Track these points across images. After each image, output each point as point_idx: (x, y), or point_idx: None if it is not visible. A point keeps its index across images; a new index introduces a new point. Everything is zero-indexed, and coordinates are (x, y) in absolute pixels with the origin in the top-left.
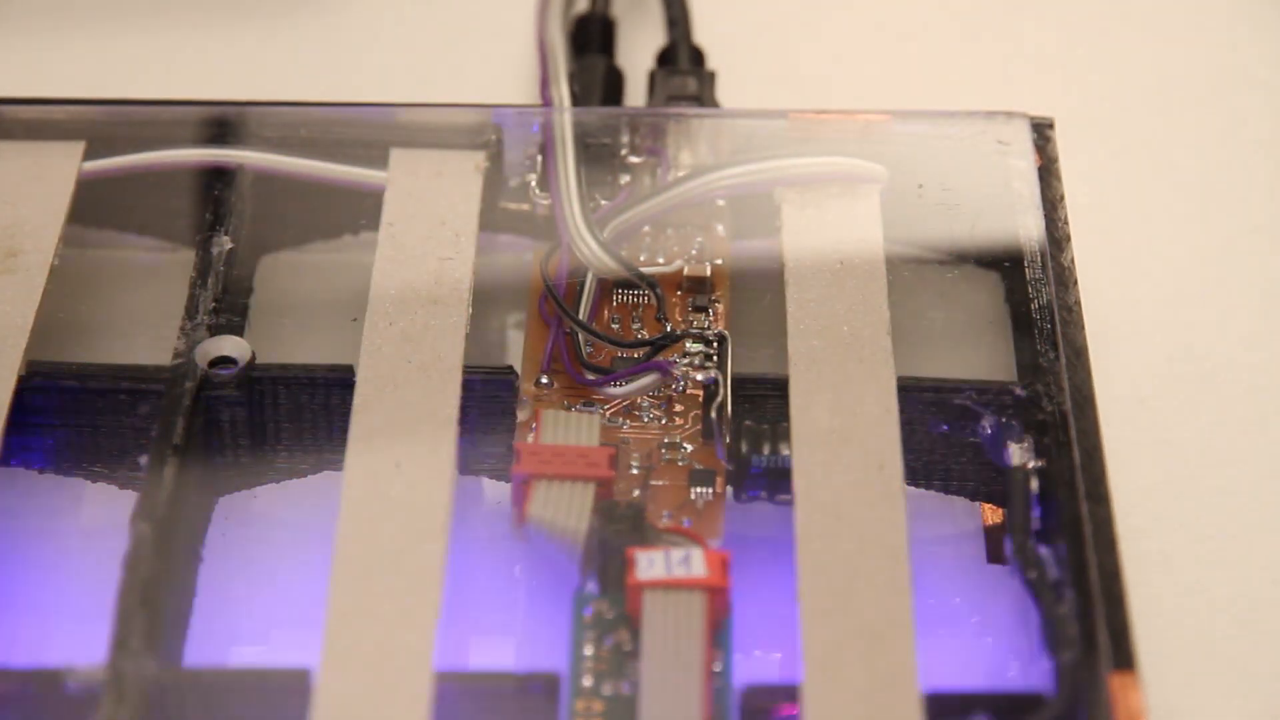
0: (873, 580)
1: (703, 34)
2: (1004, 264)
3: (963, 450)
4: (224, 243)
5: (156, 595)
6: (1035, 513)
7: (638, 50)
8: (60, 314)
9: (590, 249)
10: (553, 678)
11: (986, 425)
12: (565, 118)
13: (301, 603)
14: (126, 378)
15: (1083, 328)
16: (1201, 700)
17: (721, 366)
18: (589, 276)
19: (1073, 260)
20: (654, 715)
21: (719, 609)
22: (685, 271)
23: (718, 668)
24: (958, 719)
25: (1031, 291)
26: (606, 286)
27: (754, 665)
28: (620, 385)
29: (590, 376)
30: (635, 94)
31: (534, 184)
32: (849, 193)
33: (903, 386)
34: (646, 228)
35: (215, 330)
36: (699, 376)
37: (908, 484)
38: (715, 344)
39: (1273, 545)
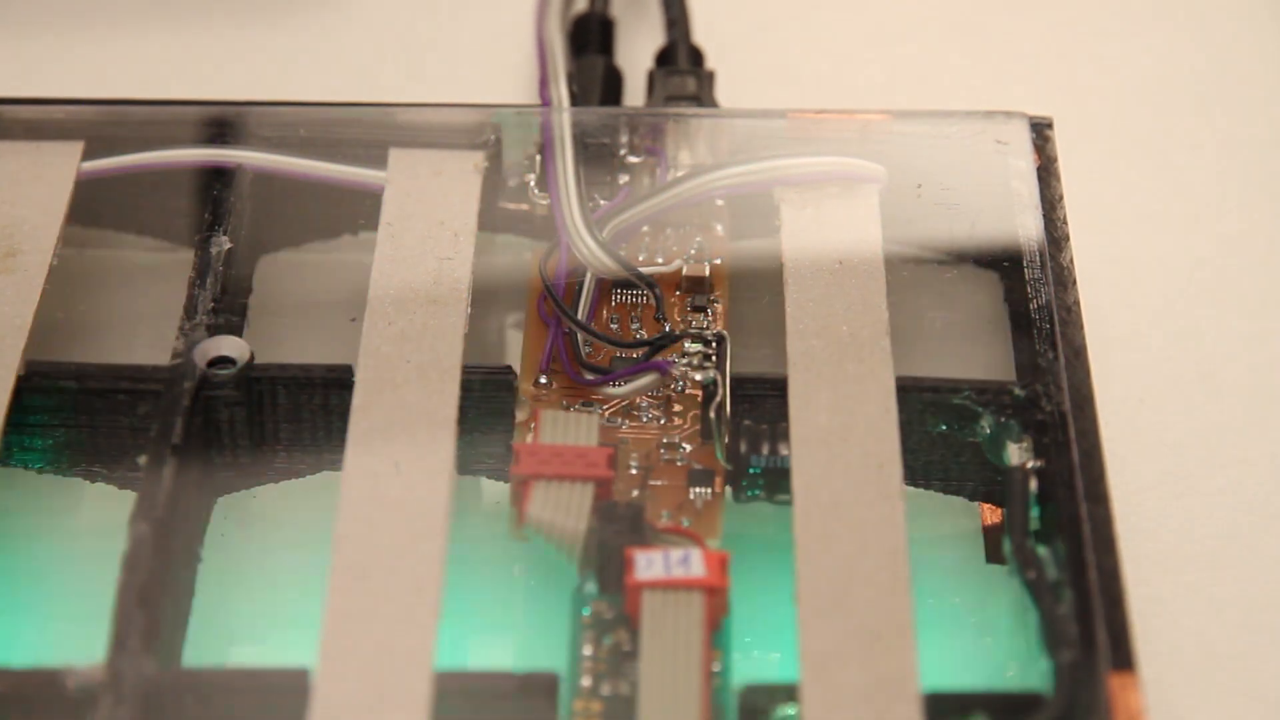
0: (872, 580)
1: (702, 34)
2: (1003, 264)
3: (962, 450)
4: (223, 242)
5: (155, 595)
6: (1034, 513)
7: (637, 50)
8: (59, 314)
9: (589, 249)
10: (551, 678)
11: (985, 425)
12: (564, 117)
13: (300, 603)
14: (125, 378)
15: (1081, 327)
16: (1201, 701)
17: (720, 366)
18: (588, 276)
19: (1071, 260)
20: (653, 715)
21: (718, 609)
22: (684, 271)
23: (716, 668)
24: (956, 719)
25: (1030, 291)
26: (605, 286)
27: (753, 665)
28: (619, 385)
29: (589, 376)
30: (634, 94)
31: (533, 184)
32: (848, 193)
33: (902, 386)
34: (645, 227)
35: (214, 330)
36: (698, 376)
37: (906, 484)
38: (714, 344)
39: (1272, 545)
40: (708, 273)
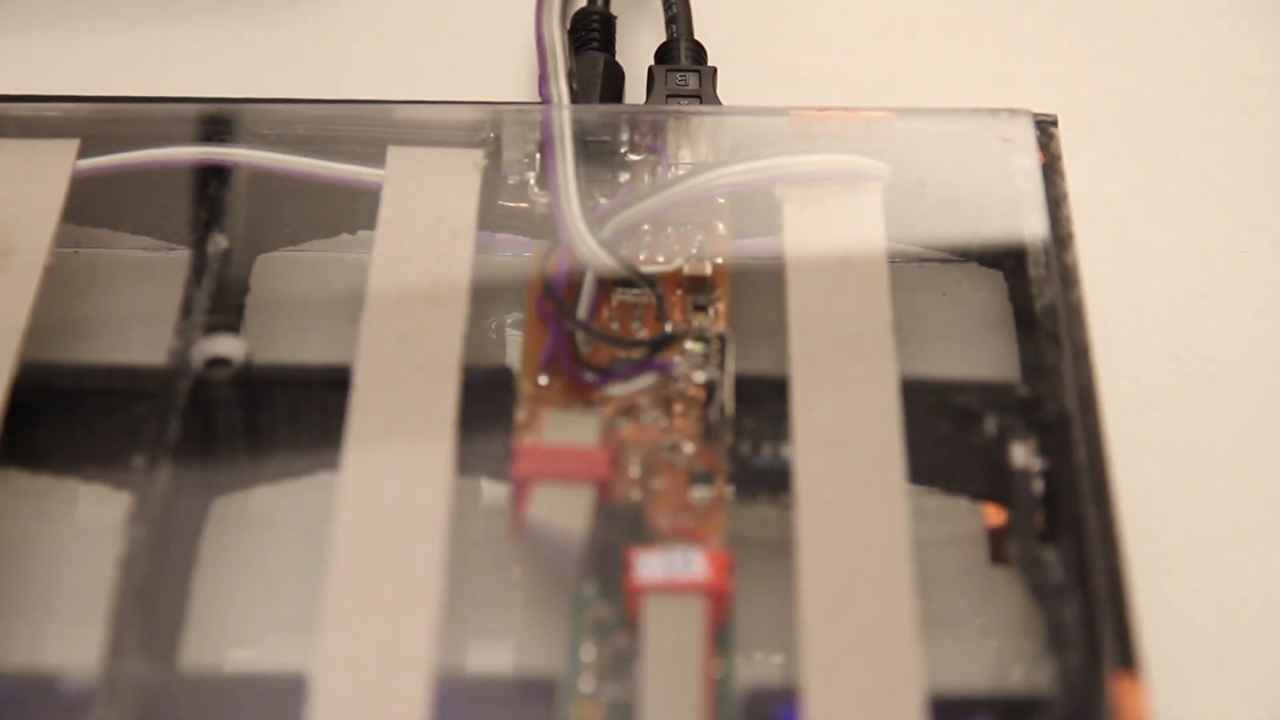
0: (875, 582)
1: (703, 30)
2: (1007, 262)
3: (966, 451)
4: (220, 241)
5: (151, 597)
6: (1039, 514)
7: (638, 46)
8: (54, 314)
9: (589, 247)
10: (551, 681)
11: (989, 425)
12: (564, 115)
13: (297, 605)
14: (121, 378)
15: (1087, 327)
16: (1207, 703)
17: (722, 366)
18: (588, 275)
19: (1076, 259)
20: None
21: (719, 612)
22: (685, 270)
23: (718, 671)
24: None
25: (1035, 290)
26: (606, 285)
27: (755, 668)
28: (619, 385)
29: (589, 377)
30: (635, 91)
31: (532, 182)
32: (851, 191)
33: (905, 386)
34: (646, 226)
35: (211, 330)
36: (699, 377)
37: (910, 484)
38: (716, 344)
39: (1279, 547)
40: (709, 271)
